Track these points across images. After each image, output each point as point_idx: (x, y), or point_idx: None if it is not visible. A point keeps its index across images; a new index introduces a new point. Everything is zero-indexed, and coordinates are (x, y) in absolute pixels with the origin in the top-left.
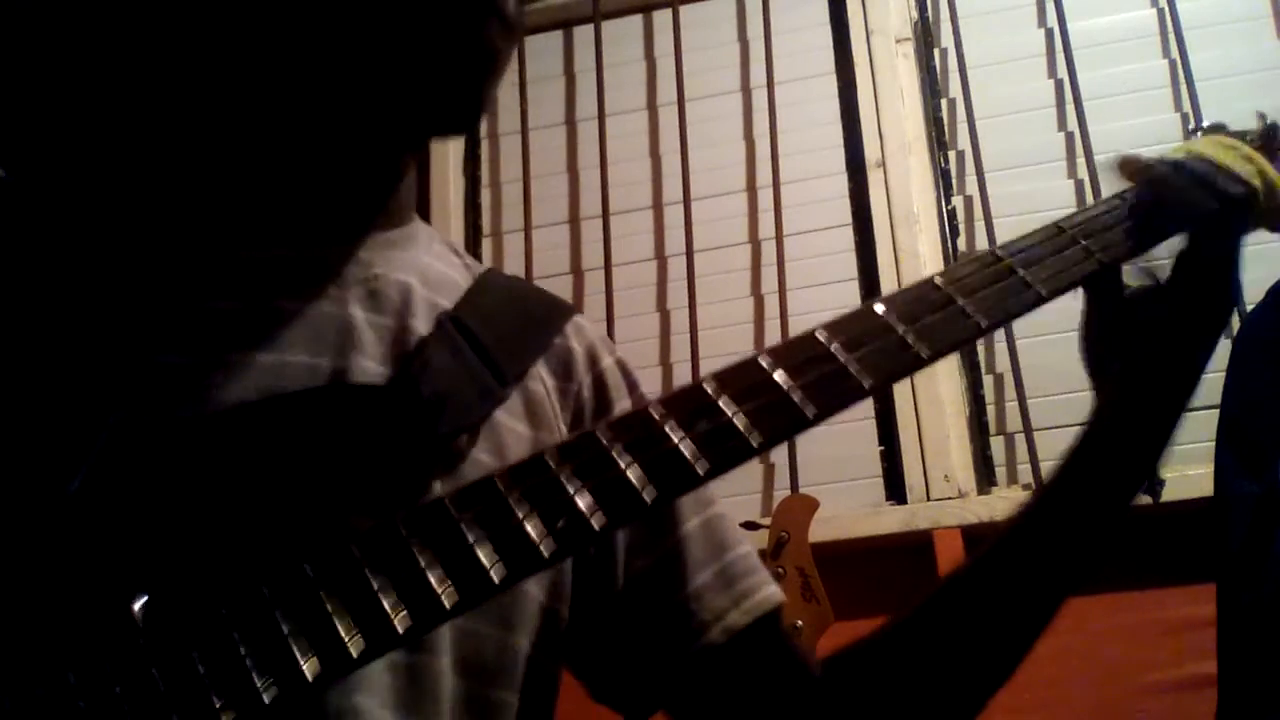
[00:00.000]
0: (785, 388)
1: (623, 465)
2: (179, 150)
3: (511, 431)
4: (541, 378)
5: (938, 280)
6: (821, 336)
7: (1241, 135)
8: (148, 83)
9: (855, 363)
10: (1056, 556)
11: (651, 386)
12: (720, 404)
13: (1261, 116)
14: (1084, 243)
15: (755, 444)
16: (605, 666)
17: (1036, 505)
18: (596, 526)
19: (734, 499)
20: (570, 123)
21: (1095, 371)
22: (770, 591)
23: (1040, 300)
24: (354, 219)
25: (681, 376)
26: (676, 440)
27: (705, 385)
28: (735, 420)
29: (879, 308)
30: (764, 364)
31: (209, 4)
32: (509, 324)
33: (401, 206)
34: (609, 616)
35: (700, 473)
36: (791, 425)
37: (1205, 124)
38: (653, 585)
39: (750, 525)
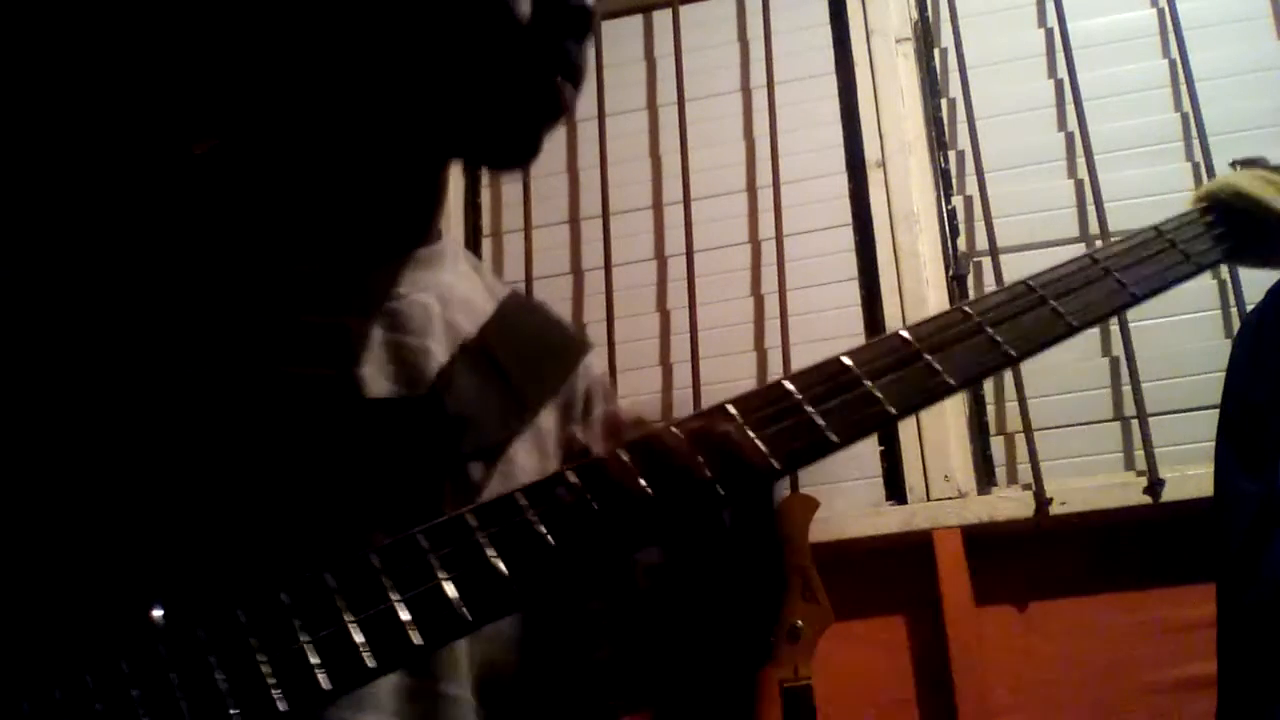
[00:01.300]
0: (810, 413)
1: (644, 485)
2: (231, 167)
3: (523, 460)
4: (549, 411)
5: (967, 308)
6: (847, 362)
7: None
8: (212, 99)
9: (880, 389)
10: None
11: (652, 386)
12: (746, 429)
13: None
14: (1116, 275)
15: (777, 468)
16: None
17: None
18: (620, 547)
19: None
20: (570, 123)
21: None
22: None
23: (1072, 331)
24: (390, 239)
25: (681, 376)
26: (694, 464)
27: (729, 408)
28: (758, 445)
29: (905, 334)
30: (789, 388)
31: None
32: (531, 355)
33: (433, 225)
34: (635, 619)
35: (720, 494)
36: (815, 450)
37: (1243, 158)
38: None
39: None
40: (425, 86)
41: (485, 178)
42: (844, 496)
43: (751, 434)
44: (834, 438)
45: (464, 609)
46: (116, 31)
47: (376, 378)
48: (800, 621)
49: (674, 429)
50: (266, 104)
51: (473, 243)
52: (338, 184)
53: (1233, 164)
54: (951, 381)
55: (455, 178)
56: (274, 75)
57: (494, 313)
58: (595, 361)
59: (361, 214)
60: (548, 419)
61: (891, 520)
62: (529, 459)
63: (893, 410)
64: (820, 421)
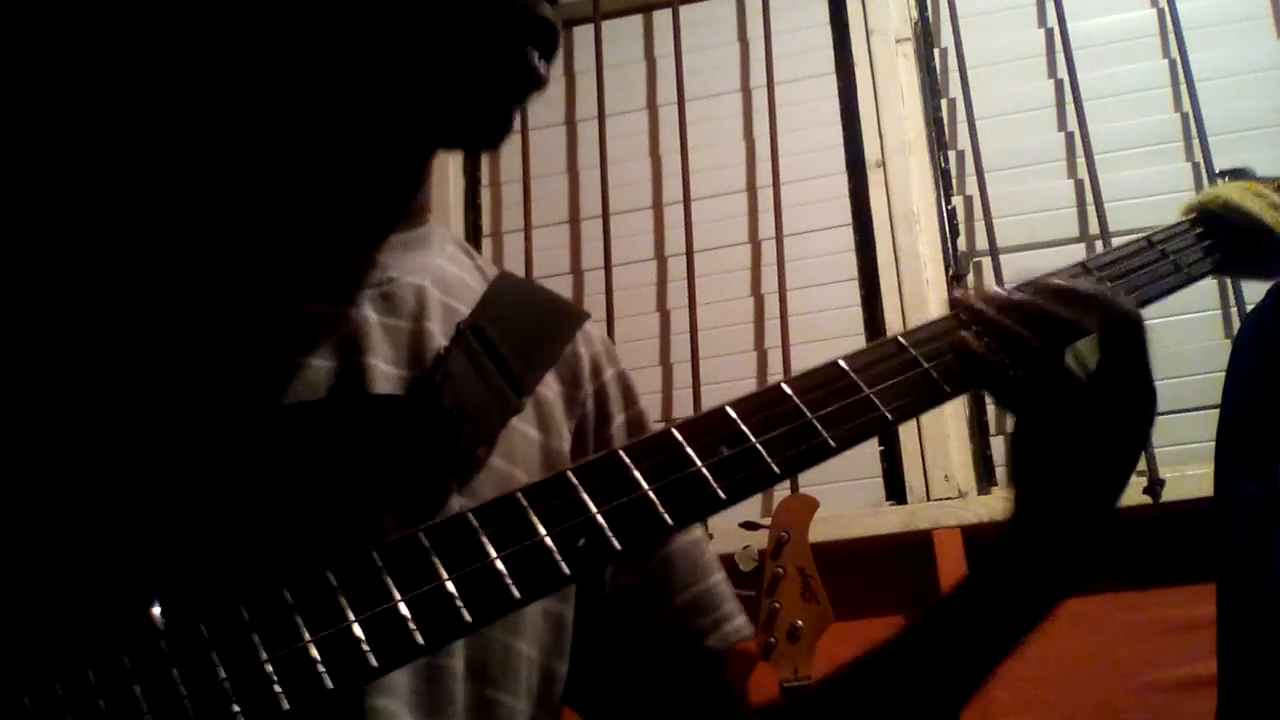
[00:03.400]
0: (809, 416)
1: (645, 487)
2: (207, 151)
3: (523, 437)
4: (550, 384)
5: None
6: (845, 366)
7: (1267, 181)
8: (179, 82)
9: (878, 394)
10: (950, 666)
11: (652, 386)
12: (744, 430)
13: None
14: (1110, 285)
15: (777, 471)
16: (573, 670)
17: (931, 616)
18: (618, 547)
19: None
20: (570, 123)
21: (1018, 480)
22: (741, 623)
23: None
24: (373, 222)
25: (681, 376)
26: (699, 465)
27: (729, 411)
28: (758, 447)
29: (903, 340)
30: (787, 391)
31: (250, 10)
32: (524, 333)
33: (420, 208)
34: (586, 623)
35: (723, 498)
36: (813, 454)
37: (1230, 169)
38: (634, 601)
39: (750, 525)
40: (393, 60)
41: (485, 177)
42: (844, 496)
43: (757, 435)
44: (832, 442)
45: (465, 609)
46: (92, 16)
47: (376, 364)
48: (800, 621)
49: (676, 430)
50: (245, 85)
51: (473, 243)
52: (317, 167)
53: (1220, 174)
54: (948, 389)
55: (455, 178)
56: (251, 56)
57: (485, 293)
58: (596, 332)
59: (344, 197)
60: (549, 390)
61: (891, 520)
62: (529, 431)
63: (891, 415)
64: (819, 426)
